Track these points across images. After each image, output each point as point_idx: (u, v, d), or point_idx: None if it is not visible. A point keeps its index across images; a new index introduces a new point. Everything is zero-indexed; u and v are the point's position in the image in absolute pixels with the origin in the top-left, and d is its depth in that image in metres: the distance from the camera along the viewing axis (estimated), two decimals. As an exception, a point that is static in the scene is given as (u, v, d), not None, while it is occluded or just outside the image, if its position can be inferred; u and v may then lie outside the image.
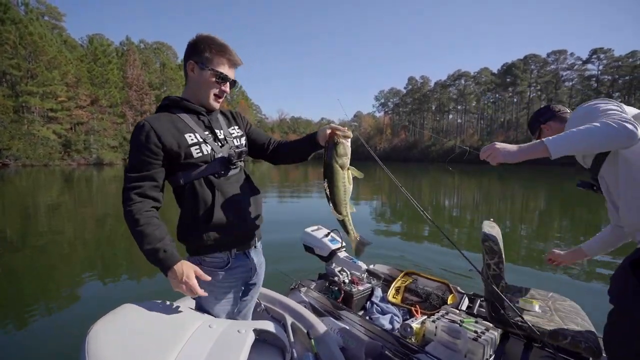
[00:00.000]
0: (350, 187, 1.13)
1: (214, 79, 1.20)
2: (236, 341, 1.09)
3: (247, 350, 1.06)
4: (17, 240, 5.77)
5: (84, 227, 6.85)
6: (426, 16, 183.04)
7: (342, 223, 1.15)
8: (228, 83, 1.25)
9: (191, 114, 1.25)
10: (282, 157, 1.44)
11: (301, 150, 1.37)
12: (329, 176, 1.11)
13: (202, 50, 1.18)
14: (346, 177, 1.10)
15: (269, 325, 1.26)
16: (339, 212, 1.11)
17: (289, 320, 1.67)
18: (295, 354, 1.45)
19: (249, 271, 1.35)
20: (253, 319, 1.50)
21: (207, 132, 1.26)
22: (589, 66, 48.96)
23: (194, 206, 1.20)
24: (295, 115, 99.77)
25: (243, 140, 1.38)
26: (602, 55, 46.93)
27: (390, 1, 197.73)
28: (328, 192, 1.11)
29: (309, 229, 2.67)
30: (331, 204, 1.11)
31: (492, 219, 1.83)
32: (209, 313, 1.28)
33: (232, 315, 1.35)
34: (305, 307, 2.06)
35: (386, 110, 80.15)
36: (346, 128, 1.15)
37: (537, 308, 1.53)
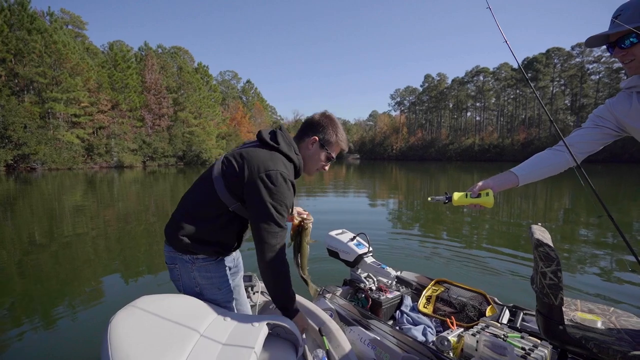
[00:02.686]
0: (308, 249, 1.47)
1: (326, 159, 1.42)
2: (250, 334, 1.13)
3: (260, 343, 1.10)
4: (44, 240, 5.92)
5: (106, 227, 6.97)
6: (442, 14, 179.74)
7: (305, 280, 1.45)
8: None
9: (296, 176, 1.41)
10: None
11: None
12: (301, 251, 1.40)
13: (329, 134, 1.37)
14: (308, 247, 1.43)
15: (282, 320, 1.30)
16: (305, 273, 1.42)
17: None
18: (307, 351, 1.47)
19: (233, 260, 1.51)
20: (267, 315, 1.60)
21: None
22: (617, 58, 46.51)
23: (220, 229, 1.30)
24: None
25: None
26: (631, 46, 44.52)
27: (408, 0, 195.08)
28: (299, 261, 1.41)
29: (333, 233, 2.55)
30: (300, 269, 1.40)
31: (539, 223, 1.65)
32: (216, 303, 1.34)
33: (232, 303, 1.45)
34: (331, 314, 1.95)
35: (402, 109, 79.15)
36: (307, 214, 1.47)
37: (599, 324, 1.34)
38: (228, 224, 1.30)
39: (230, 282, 1.43)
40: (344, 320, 1.97)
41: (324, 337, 1.51)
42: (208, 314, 1.20)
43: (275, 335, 1.34)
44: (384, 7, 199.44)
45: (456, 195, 1.34)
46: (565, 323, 1.29)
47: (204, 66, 52.88)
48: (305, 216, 1.43)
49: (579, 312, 1.44)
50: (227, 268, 1.41)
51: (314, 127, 1.38)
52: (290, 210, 1.29)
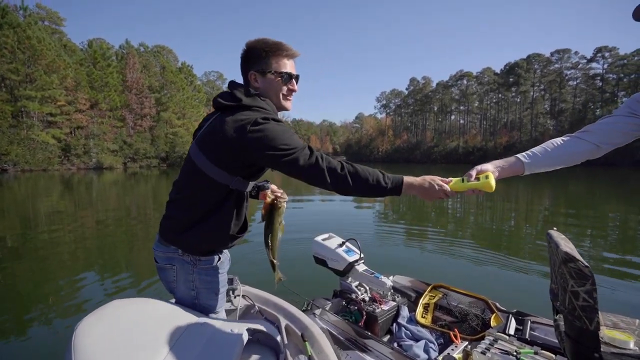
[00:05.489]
0: (281, 235, 1.31)
1: (279, 80, 1.19)
2: (229, 340, 1.06)
3: (239, 350, 1.04)
4: (17, 246, 5.52)
5: (84, 231, 6.58)
6: (428, 17, 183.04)
7: (273, 263, 1.30)
8: (294, 79, 1.23)
9: None
10: None
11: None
12: (272, 232, 1.27)
13: (258, 57, 1.16)
14: (280, 229, 1.29)
15: (262, 326, 1.25)
16: (274, 257, 1.29)
17: (283, 322, 1.60)
18: (288, 357, 1.42)
19: (228, 261, 1.38)
20: (247, 320, 1.46)
21: None
22: (594, 65, 48.51)
23: (226, 214, 1.18)
24: (296, 118, 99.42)
25: None
26: (607, 54, 46.46)
27: (392, 3, 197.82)
28: (270, 242, 1.28)
29: (319, 238, 2.32)
30: (270, 251, 1.28)
31: (555, 228, 1.46)
32: (210, 308, 1.27)
33: (223, 308, 1.36)
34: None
35: (388, 111, 79.83)
36: (282, 192, 1.34)
37: (632, 345, 1.16)
38: (236, 204, 1.21)
39: (225, 284, 1.35)
40: (338, 343, 1.75)
41: (307, 343, 1.42)
42: (184, 319, 1.12)
43: (255, 342, 1.28)
44: (371, 9, 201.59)
45: (452, 181, 1.18)
46: (604, 350, 1.10)
47: (188, 66, 51.81)
48: (279, 194, 1.32)
49: (605, 329, 1.26)
50: (225, 274, 1.34)
51: (245, 65, 1.20)
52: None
